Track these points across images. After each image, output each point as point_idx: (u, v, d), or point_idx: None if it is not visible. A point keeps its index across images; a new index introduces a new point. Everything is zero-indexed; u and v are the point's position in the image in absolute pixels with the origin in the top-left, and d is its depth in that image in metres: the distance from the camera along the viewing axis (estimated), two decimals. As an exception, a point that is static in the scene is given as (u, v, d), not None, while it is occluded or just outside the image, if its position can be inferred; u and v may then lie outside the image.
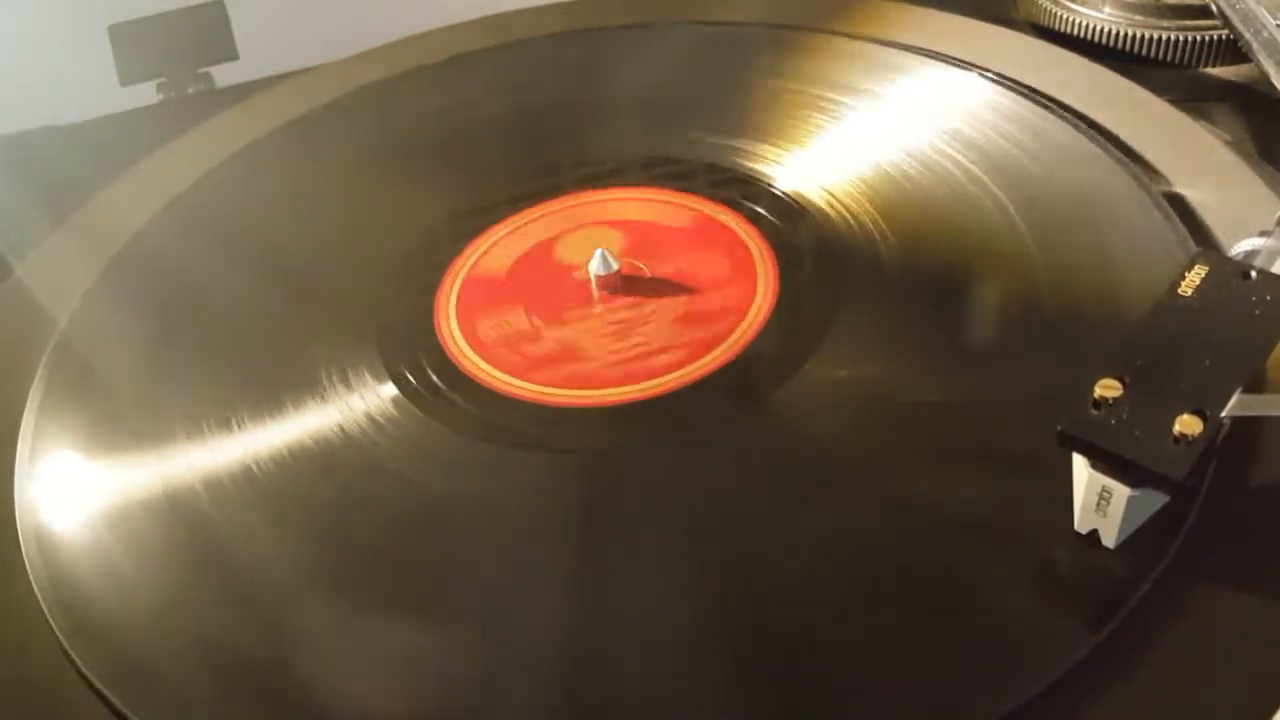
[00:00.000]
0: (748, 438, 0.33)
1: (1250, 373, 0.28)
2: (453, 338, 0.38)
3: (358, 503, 0.33)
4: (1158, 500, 0.28)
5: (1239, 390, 0.27)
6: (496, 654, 0.29)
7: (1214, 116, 0.46)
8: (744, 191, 0.42)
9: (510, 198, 0.43)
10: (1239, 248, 0.32)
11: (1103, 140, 0.40)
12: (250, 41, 0.57)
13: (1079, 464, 0.28)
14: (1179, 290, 0.30)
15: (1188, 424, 0.27)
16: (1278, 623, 0.27)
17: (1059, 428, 0.27)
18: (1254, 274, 0.30)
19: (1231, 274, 0.30)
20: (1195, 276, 0.30)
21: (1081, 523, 0.28)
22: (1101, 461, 0.27)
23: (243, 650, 0.30)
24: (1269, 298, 0.30)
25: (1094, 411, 0.28)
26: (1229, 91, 0.48)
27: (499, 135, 0.47)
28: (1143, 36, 0.48)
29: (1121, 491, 0.27)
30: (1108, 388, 0.28)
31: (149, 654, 0.30)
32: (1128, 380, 0.28)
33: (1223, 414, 0.27)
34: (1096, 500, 0.28)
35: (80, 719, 0.29)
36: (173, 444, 0.35)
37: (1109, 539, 0.28)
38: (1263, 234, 0.33)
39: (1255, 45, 0.43)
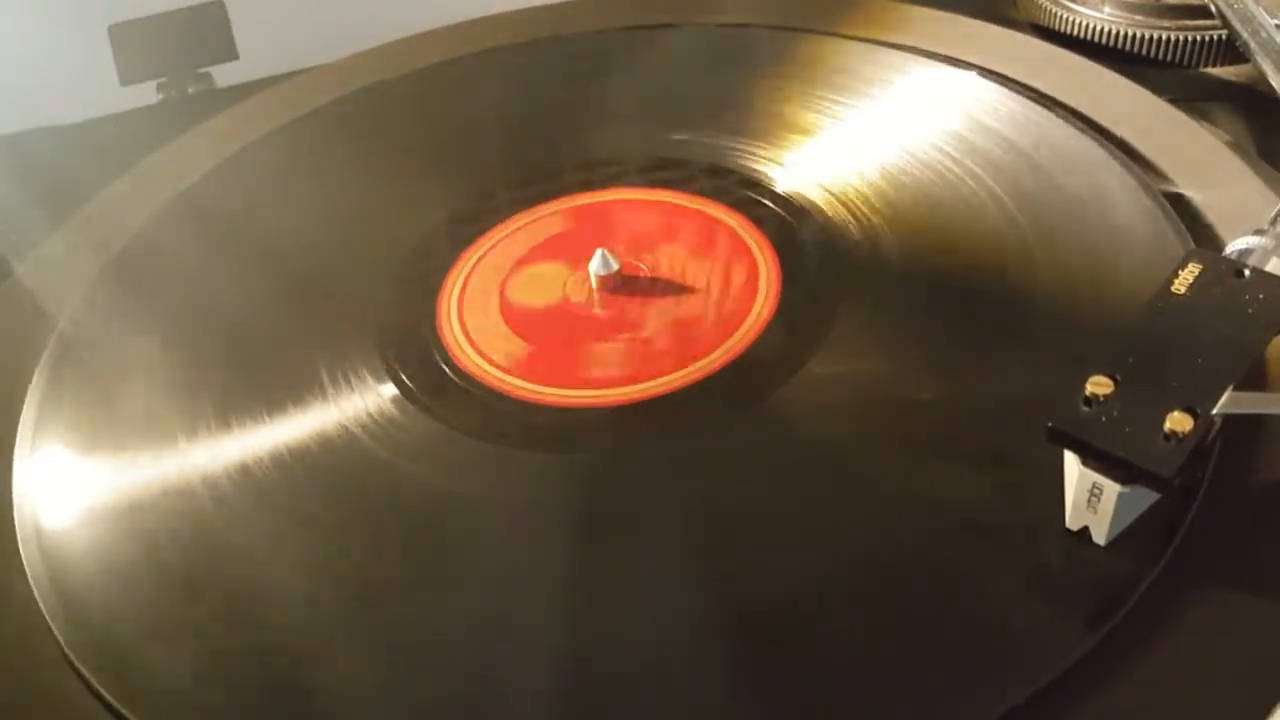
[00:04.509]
0: (748, 438, 0.33)
1: (1242, 371, 0.28)
2: (453, 337, 0.38)
3: (358, 502, 0.33)
4: (1148, 498, 0.28)
5: (1231, 388, 0.27)
6: (497, 653, 0.29)
7: (1214, 116, 0.46)
8: (744, 191, 0.42)
9: (510, 198, 0.43)
10: (1233, 246, 0.33)
11: (1103, 140, 0.40)
12: (250, 41, 0.57)
13: (1070, 461, 0.28)
14: (1172, 288, 0.30)
15: (1178, 421, 0.27)
16: (1278, 623, 0.27)
17: (1049, 424, 0.28)
18: (1248, 272, 0.30)
19: (1225, 272, 0.30)
20: (1189, 275, 0.30)
21: (1072, 520, 0.28)
22: (1092, 458, 0.27)
23: (241, 649, 0.30)
24: (1262, 296, 0.30)
25: (1085, 408, 0.28)
26: (1229, 91, 0.47)
27: (499, 135, 0.47)
28: (1143, 36, 0.48)
29: (1111, 488, 0.27)
30: (1099, 385, 0.28)
31: (148, 653, 0.30)
32: (1119, 377, 0.28)
33: (1213, 411, 0.27)
34: (1087, 497, 0.28)
35: (78, 718, 0.29)
36: (172, 443, 0.35)
37: (1100, 536, 0.28)
38: (1258, 232, 0.33)
39: (1253, 45, 0.43)
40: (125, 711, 0.28)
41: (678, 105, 0.47)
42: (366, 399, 0.36)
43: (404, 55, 0.52)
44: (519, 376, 0.36)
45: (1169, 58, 0.48)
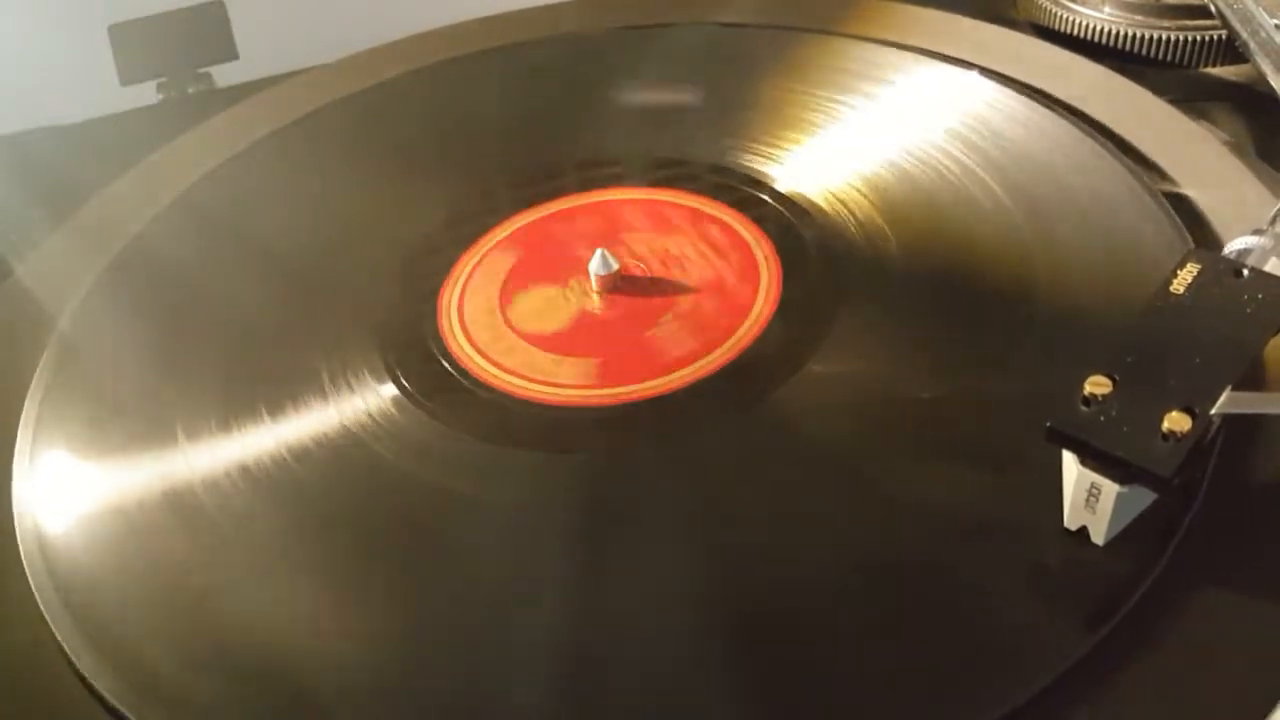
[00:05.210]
0: (748, 438, 0.33)
1: (1241, 370, 0.28)
2: (454, 337, 0.38)
3: (358, 503, 0.33)
4: (1146, 497, 0.28)
5: (1229, 388, 0.27)
6: (497, 654, 0.29)
7: (1214, 116, 0.46)
8: (744, 191, 0.42)
9: (511, 198, 0.43)
10: (1232, 246, 0.33)
11: (1103, 140, 0.40)
12: (250, 41, 0.57)
13: (1068, 461, 0.28)
14: (1171, 288, 0.30)
15: (1177, 421, 0.27)
16: (1278, 623, 0.27)
17: (1047, 424, 0.28)
18: (1246, 272, 0.30)
19: (1224, 272, 0.30)
20: (1187, 275, 0.30)
21: (1071, 519, 0.28)
22: (1090, 458, 0.27)
23: (242, 650, 0.30)
24: (1261, 296, 0.30)
25: (1083, 408, 0.28)
26: (1229, 91, 0.48)
27: (499, 135, 0.47)
28: (1143, 36, 0.48)
29: (1110, 488, 0.27)
30: (1097, 385, 0.28)
31: (148, 654, 0.30)
32: (1118, 377, 0.28)
33: (1212, 411, 0.27)
34: (1085, 497, 0.28)
35: (78, 719, 0.29)
36: (172, 444, 0.35)
37: (1098, 536, 0.28)
38: (1256, 232, 0.33)
39: (1253, 45, 0.43)
40: (126, 713, 0.28)
41: (679, 105, 0.47)
42: (366, 399, 0.36)
43: (404, 55, 0.52)
44: (519, 376, 0.36)
45: (1169, 58, 0.48)
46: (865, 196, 0.40)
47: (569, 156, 0.45)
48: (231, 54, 0.56)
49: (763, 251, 0.39)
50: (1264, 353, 0.29)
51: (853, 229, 0.39)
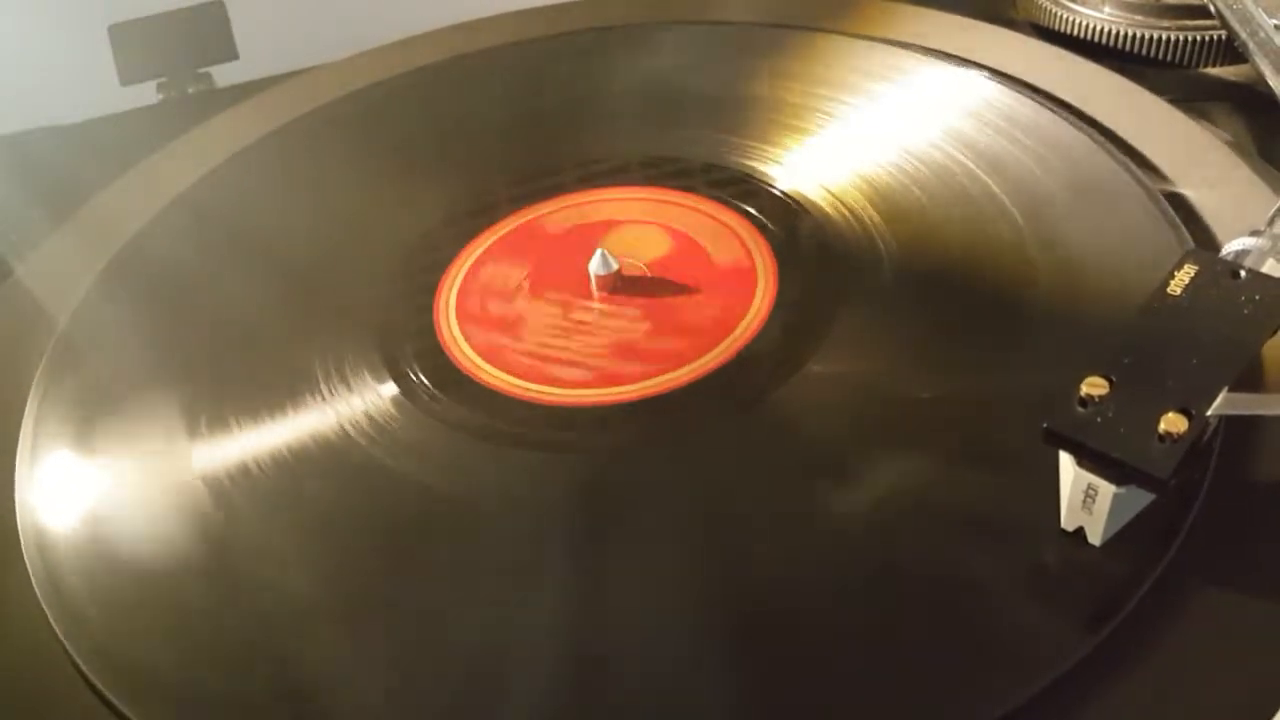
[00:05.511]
0: (748, 438, 0.33)
1: (1238, 372, 0.28)
2: (453, 337, 0.38)
3: (357, 502, 0.33)
4: (1143, 498, 0.28)
5: (1226, 389, 0.28)
6: (496, 653, 0.29)
7: (1214, 116, 0.46)
8: (744, 191, 0.42)
9: (510, 197, 0.43)
10: (1230, 247, 0.33)
11: (1103, 140, 0.40)
12: (250, 41, 0.57)
13: (1065, 461, 0.28)
14: (1169, 289, 0.30)
15: (1173, 422, 0.27)
16: (1278, 623, 0.27)
17: (1044, 425, 0.28)
18: (1243, 273, 0.30)
19: (1221, 273, 0.30)
20: (1185, 276, 0.30)
21: (1068, 520, 0.28)
22: (1087, 459, 0.27)
23: (242, 649, 0.30)
24: (1258, 297, 0.30)
25: (1080, 409, 0.28)
26: (1229, 91, 0.48)
27: (499, 135, 0.47)
28: (1143, 36, 0.48)
29: (1106, 489, 0.27)
30: (1094, 386, 0.28)
31: (148, 654, 0.30)
32: (1114, 378, 0.28)
33: (1208, 412, 0.27)
34: (1082, 498, 0.28)
35: (79, 718, 0.29)
36: (172, 443, 0.35)
37: (1095, 536, 0.28)
38: (1254, 233, 0.33)
39: (1252, 46, 0.43)
40: (127, 711, 0.28)
41: (677, 105, 0.47)
42: (366, 399, 0.36)
43: (404, 55, 0.52)
44: (518, 376, 0.36)
45: (1169, 58, 0.48)
46: (864, 197, 0.40)
47: (568, 156, 0.45)
48: (231, 54, 0.56)
49: (761, 251, 0.39)
50: (1261, 354, 0.29)
51: (851, 229, 0.39)
